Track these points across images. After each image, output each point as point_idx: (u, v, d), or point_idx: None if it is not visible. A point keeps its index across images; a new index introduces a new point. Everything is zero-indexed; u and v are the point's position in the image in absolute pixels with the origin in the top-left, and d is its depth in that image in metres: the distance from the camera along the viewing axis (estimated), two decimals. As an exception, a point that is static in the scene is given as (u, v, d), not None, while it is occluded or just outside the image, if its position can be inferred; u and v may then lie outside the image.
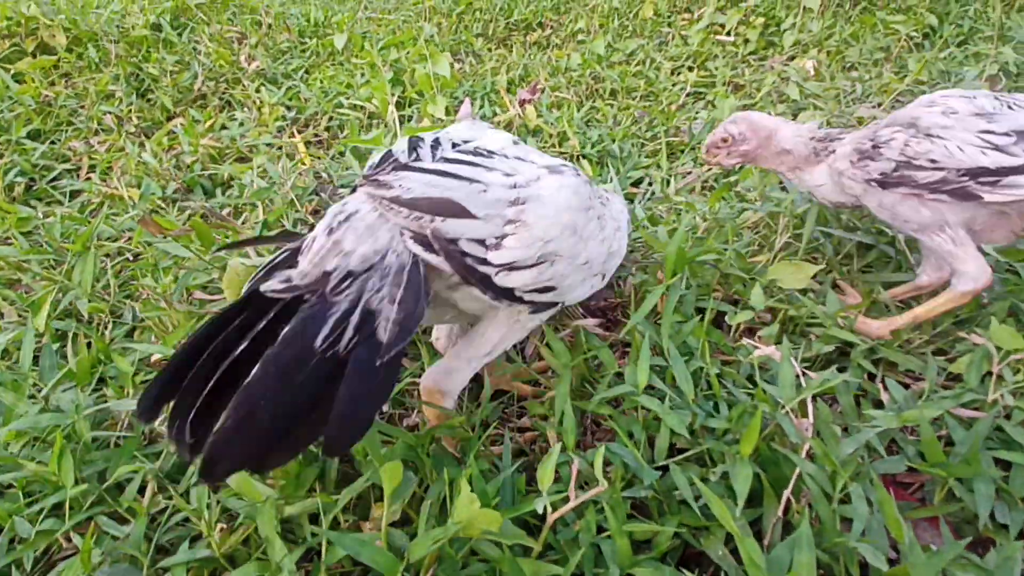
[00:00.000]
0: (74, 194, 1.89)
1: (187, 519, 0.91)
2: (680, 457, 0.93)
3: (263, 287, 0.76)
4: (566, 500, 0.80)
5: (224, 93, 2.41)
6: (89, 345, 1.24)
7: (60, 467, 0.92)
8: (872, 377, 1.16)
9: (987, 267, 1.10)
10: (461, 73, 3.01)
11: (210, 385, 0.71)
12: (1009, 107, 1.06)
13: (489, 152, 0.93)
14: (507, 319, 0.96)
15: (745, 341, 1.11)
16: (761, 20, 3.68)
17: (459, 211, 0.80)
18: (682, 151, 2.34)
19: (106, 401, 1.09)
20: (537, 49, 3.70)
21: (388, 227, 0.79)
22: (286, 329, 0.72)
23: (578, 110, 2.50)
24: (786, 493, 0.86)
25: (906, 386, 1.14)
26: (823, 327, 1.16)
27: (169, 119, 2.28)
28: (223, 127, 2.17)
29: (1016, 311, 1.25)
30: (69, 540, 0.90)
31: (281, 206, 1.57)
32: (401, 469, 0.75)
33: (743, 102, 2.71)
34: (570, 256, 0.89)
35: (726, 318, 1.22)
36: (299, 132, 2.21)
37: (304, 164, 1.89)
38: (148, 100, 2.38)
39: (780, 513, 0.87)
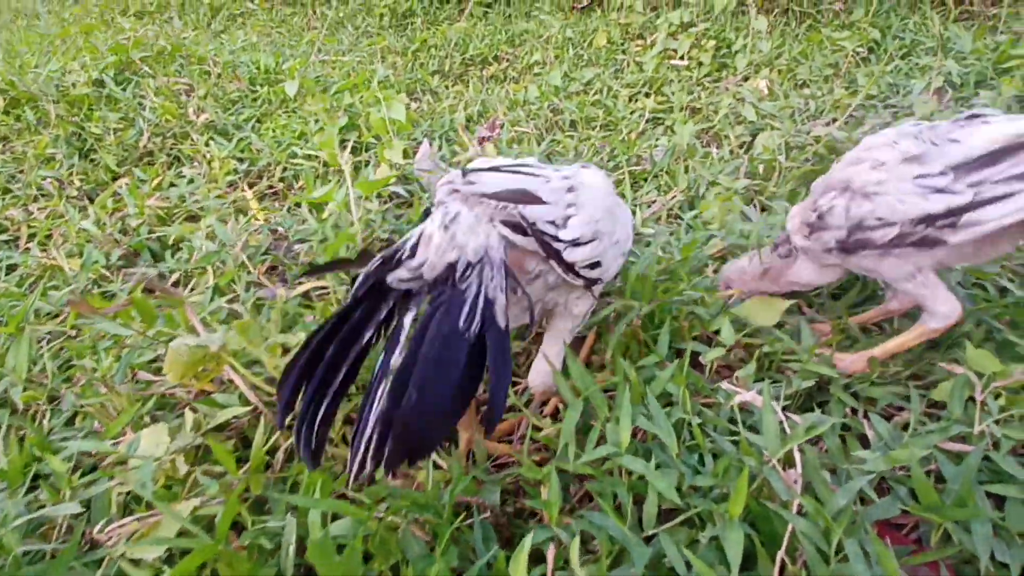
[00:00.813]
0: (12, 268, 1.78)
1: (131, 641, 0.82)
2: (668, 525, 0.87)
3: (390, 277, 0.86)
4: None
5: (172, 149, 2.33)
6: (23, 438, 1.14)
7: (-17, 593, 0.82)
8: (855, 411, 1.13)
9: (958, 304, 1.07)
10: (419, 112, 2.99)
11: (333, 388, 0.82)
12: (933, 143, 1.01)
13: (527, 162, 1.08)
14: (575, 300, 1.08)
15: (724, 385, 1.07)
16: (712, 43, 3.75)
17: (534, 199, 0.93)
18: (645, 180, 2.33)
19: (41, 505, 0.99)
20: (494, 83, 3.70)
21: (485, 226, 0.91)
22: (437, 314, 0.81)
23: (539, 144, 2.48)
24: (780, 554, 0.81)
25: (889, 417, 1.11)
26: (800, 362, 1.13)
27: (115, 179, 2.19)
28: (171, 185, 2.08)
29: (989, 327, 1.24)
30: None
31: (233, 268, 1.49)
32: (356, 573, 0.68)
33: (701, 126, 2.73)
34: (610, 234, 1.03)
35: (700, 357, 1.18)
36: (252, 185, 2.14)
37: (258, 219, 1.81)
38: (91, 161, 2.29)
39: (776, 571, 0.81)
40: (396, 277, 0.87)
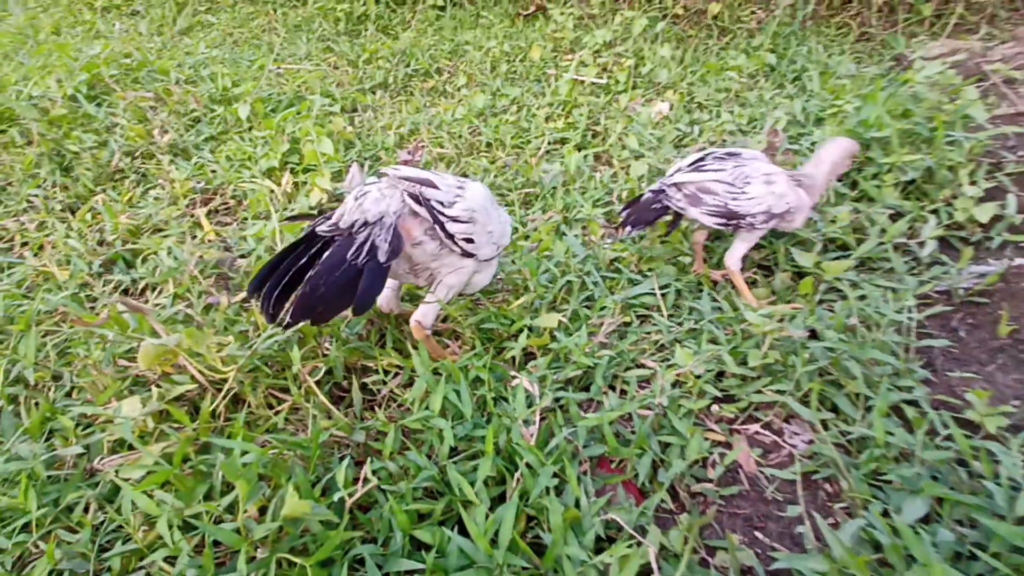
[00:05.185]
0: (10, 267, 2.23)
1: (120, 526, 1.34)
2: (455, 459, 1.42)
3: (318, 229, 1.47)
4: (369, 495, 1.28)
5: (140, 167, 2.77)
6: (37, 404, 1.64)
7: (26, 498, 1.33)
8: (612, 387, 1.69)
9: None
10: (359, 127, 3.44)
11: (284, 280, 1.43)
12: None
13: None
14: (452, 272, 1.63)
15: (512, 373, 1.61)
16: (631, 62, 4.23)
17: (432, 184, 1.52)
18: (538, 198, 2.84)
19: (55, 449, 1.50)
20: (435, 95, 4.15)
21: (386, 201, 1.48)
22: (332, 248, 1.42)
23: (448, 167, 2.98)
24: (517, 475, 1.36)
25: (623, 392, 1.67)
26: (573, 356, 1.68)
27: (91, 194, 2.63)
28: (141, 199, 2.54)
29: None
30: (37, 547, 1.32)
31: (188, 280, 1.99)
32: (251, 483, 1.20)
33: (597, 150, 3.23)
34: (483, 223, 1.59)
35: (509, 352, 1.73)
36: (208, 201, 2.61)
37: (210, 237, 2.29)
38: (70, 176, 2.72)
39: (514, 484, 1.36)
40: (322, 228, 1.48)
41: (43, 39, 4.60)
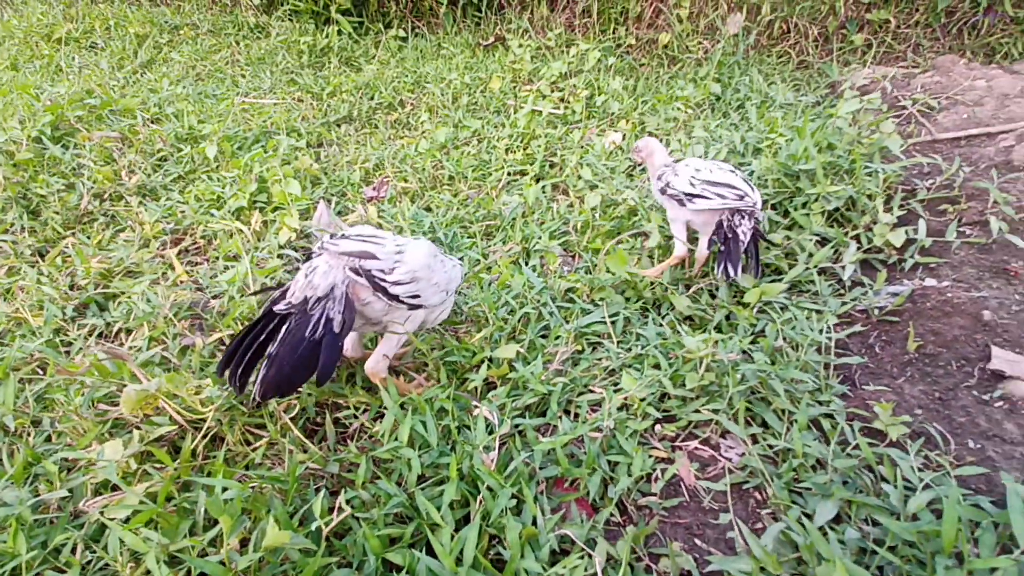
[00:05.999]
0: (-20, 316, 2.28)
1: (107, 564, 1.43)
2: (422, 486, 1.55)
3: (275, 308, 1.58)
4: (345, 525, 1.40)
5: (109, 210, 2.83)
6: (18, 450, 1.70)
7: (15, 542, 1.41)
8: (567, 412, 1.84)
9: (684, 248, 2.27)
10: (324, 162, 3.56)
11: (247, 356, 1.56)
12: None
13: (379, 234, 1.74)
14: (405, 320, 1.74)
15: (474, 403, 1.76)
16: (586, 92, 4.45)
17: (372, 255, 1.61)
18: (498, 230, 3.00)
19: (39, 493, 1.57)
20: (399, 127, 4.30)
21: (333, 273, 1.58)
22: (291, 326, 1.54)
23: (413, 201, 3.12)
24: (479, 498, 1.50)
25: (576, 416, 1.82)
26: (530, 384, 1.83)
27: (61, 238, 2.69)
28: (111, 241, 2.61)
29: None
30: (26, 589, 1.39)
31: (163, 324, 2.07)
32: (234, 517, 1.31)
33: (554, 180, 3.42)
34: (427, 279, 1.69)
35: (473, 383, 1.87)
36: (178, 241, 2.69)
37: (183, 278, 2.38)
38: (38, 219, 2.77)
39: (477, 506, 1.50)
40: (279, 307, 1.59)
41: (2, 79, 4.60)
